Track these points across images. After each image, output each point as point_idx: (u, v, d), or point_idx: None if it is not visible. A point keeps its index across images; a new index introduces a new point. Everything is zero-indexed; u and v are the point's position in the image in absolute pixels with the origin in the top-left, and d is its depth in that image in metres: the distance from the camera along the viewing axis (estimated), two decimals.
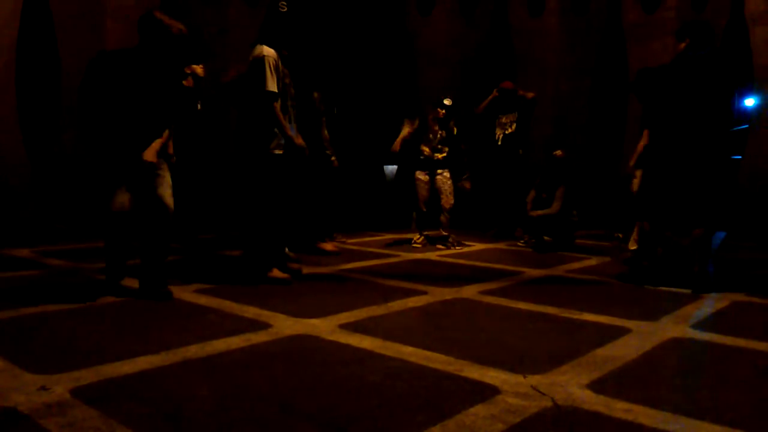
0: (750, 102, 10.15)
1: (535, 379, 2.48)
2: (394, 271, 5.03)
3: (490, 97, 7.26)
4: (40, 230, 7.08)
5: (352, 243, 6.66)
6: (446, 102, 6.48)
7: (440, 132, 6.55)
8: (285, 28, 4.32)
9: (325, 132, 5.70)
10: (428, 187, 6.54)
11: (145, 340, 2.94)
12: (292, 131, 4.35)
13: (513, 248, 6.57)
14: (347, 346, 2.92)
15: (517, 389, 2.37)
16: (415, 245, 6.45)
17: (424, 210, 6.55)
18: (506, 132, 7.20)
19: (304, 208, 5.60)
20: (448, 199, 6.51)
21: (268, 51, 4.23)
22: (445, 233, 6.49)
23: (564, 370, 2.62)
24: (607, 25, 9.81)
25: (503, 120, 7.25)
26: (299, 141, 4.35)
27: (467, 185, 6.72)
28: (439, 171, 6.53)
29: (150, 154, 3.75)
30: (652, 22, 8.97)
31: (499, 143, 7.24)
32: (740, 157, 9.34)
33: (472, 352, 2.82)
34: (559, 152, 6.62)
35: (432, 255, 5.99)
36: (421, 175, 6.54)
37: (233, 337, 3.00)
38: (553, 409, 2.19)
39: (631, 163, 5.34)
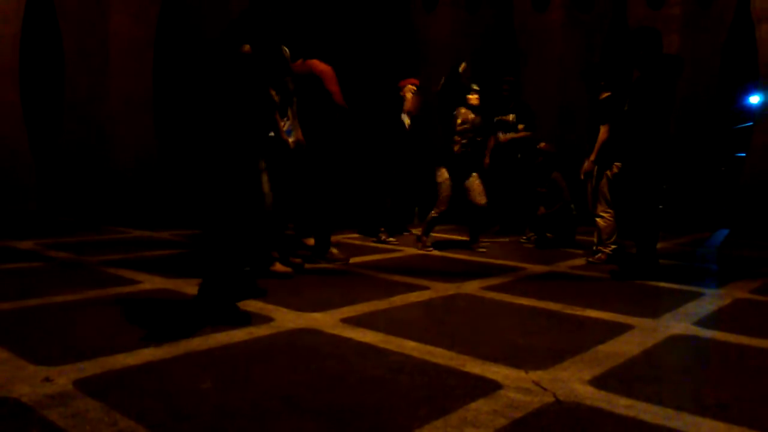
0: (755, 99, 10.11)
1: (537, 375, 2.48)
2: (396, 266, 5.03)
3: (518, 135, 7.09)
4: (44, 223, 7.10)
5: (354, 238, 6.66)
6: (475, 87, 6.01)
7: (473, 119, 5.93)
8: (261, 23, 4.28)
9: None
10: (451, 185, 5.96)
11: (149, 332, 2.94)
12: (287, 129, 4.38)
13: (516, 244, 6.57)
14: (349, 340, 2.92)
15: (519, 384, 2.37)
16: (425, 248, 5.96)
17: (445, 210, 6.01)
18: (507, 135, 7.17)
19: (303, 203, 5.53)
20: (480, 199, 5.95)
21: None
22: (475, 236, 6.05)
23: (566, 365, 2.62)
24: (613, 21, 9.77)
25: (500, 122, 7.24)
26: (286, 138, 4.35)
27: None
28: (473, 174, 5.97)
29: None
30: (658, 18, 8.92)
31: (501, 146, 7.17)
32: (744, 154, 9.32)
33: (474, 347, 2.82)
34: (543, 144, 6.64)
35: (434, 250, 5.99)
36: (446, 173, 5.96)
37: (235, 330, 3.00)
38: (555, 405, 2.19)
39: (592, 158, 5.39)
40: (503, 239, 6.83)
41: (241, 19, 3.35)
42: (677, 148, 8.44)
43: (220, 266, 3.22)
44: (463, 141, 5.91)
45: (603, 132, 5.35)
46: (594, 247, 5.52)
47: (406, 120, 6.67)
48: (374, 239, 6.48)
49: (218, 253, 3.22)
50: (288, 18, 4.13)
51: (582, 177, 5.54)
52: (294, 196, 5.03)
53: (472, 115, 5.94)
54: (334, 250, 5.16)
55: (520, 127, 7.11)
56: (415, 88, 6.64)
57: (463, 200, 6.06)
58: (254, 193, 3.37)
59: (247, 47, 3.20)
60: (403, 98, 6.62)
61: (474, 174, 5.99)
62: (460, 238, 6.66)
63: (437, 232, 7.19)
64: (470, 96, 5.98)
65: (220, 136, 3.23)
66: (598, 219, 5.39)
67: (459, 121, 5.92)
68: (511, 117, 7.17)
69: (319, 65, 5.01)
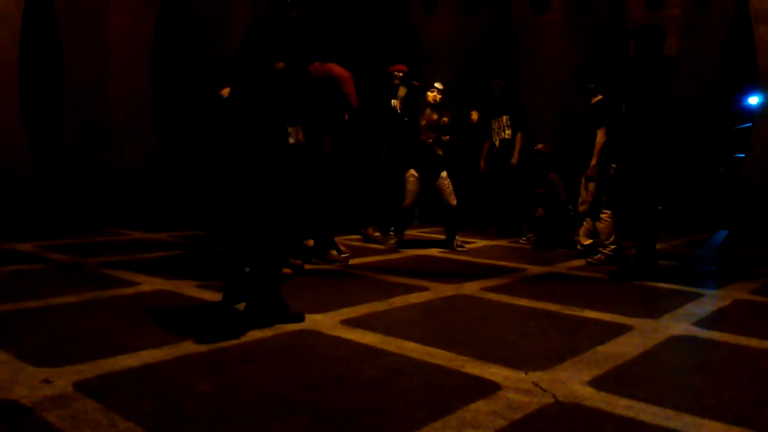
0: (753, 100, 10.11)
1: (536, 376, 2.48)
2: (396, 267, 5.03)
3: (518, 148, 7.12)
4: (42, 224, 7.09)
5: (353, 239, 6.66)
6: (437, 85, 6.07)
7: (439, 118, 5.98)
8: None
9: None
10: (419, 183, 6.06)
11: (148, 334, 2.94)
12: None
13: (515, 245, 6.57)
14: (349, 342, 2.92)
15: (518, 385, 2.37)
16: (388, 244, 6.04)
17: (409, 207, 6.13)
18: (501, 137, 7.29)
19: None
20: (451, 199, 6.03)
21: None
22: (451, 235, 6.10)
23: (565, 366, 2.62)
24: (612, 22, 9.78)
25: (494, 126, 7.32)
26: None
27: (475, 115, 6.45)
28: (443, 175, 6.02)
29: None
30: (656, 19, 8.93)
31: (496, 149, 7.30)
32: (743, 155, 9.33)
33: (473, 348, 2.82)
34: (541, 146, 6.71)
35: (434, 251, 5.99)
36: (415, 172, 6.04)
37: None
38: (554, 406, 2.19)
39: (594, 162, 5.41)
40: (502, 240, 6.84)
41: (266, 33, 3.33)
42: (676, 150, 8.46)
43: (266, 267, 3.25)
44: (428, 141, 6.01)
45: (600, 136, 5.39)
46: (578, 246, 5.63)
47: (397, 104, 6.70)
48: (362, 236, 6.55)
49: (263, 254, 3.25)
50: (310, 31, 4.10)
51: (583, 180, 5.56)
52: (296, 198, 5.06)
53: (435, 115, 6.00)
54: (334, 252, 5.16)
55: (508, 132, 7.17)
56: (401, 74, 6.67)
57: (438, 201, 6.15)
58: (286, 196, 3.40)
59: (281, 64, 3.23)
60: (393, 85, 6.65)
61: (443, 174, 6.05)
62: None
63: (431, 233, 7.20)
64: (429, 93, 6.07)
65: (255, 144, 3.23)
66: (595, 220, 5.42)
67: (423, 122, 6.02)
68: (504, 118, 7.26)
69: (337, 68, 5.08)
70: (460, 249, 6.00)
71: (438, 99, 6.04)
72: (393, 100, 6.64)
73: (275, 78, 3.24)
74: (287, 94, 3.33)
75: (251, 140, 3.24)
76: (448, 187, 6.04)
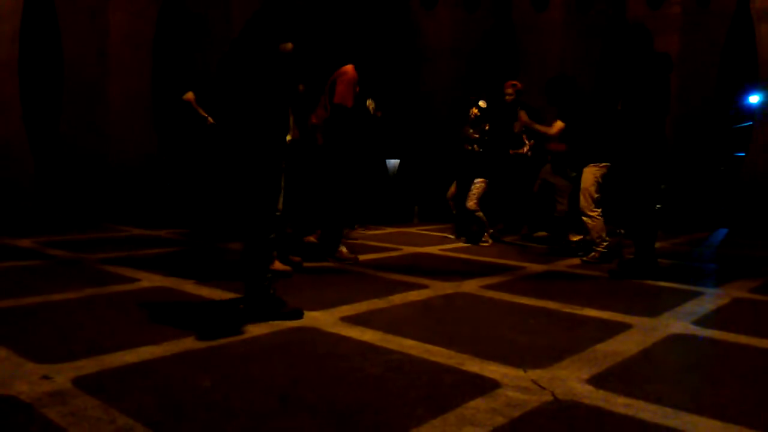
0: (754, 99, 10.10)
1: (535, 374, 2.48)
2: (396, 265, 5.03)
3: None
4: (42, 220, 7.09)
5: (354, 236, 6.66)
6: (481, 104, 6.45)
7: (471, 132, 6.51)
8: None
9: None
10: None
11: (147, 331, 2.94)
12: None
13: (514, 243, 6.57)
14: (348, 339, 2.92)
15: (517, 383, 2.37)
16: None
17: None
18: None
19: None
20: (467, 200, 6.42)
21: None
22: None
23: (564, 364, 2.62)
24: (612, 21, 9.77)
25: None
26: None
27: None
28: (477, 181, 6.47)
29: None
30: (657, 17, 8.93)
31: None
32: (743, 153, 9.33)
33: (472, 346, 2.83)
34: (552, 145, 6.79)
35: (433, 249, 6.00)
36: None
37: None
38: (553, 404, 2.19)
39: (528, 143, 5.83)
40: (506, 238, 6.84)
41: (272, 16, 3.26)
42: (677, 148, 8.45)
43: (262, 263, 3.23)
44: (468, 149, 6.53)
45: (557, 127, 5.62)
46: (562, 242, 5.82)
47: (371, 104, 6.69)
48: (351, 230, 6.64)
49: (258, 251, 3.23)
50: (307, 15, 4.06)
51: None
52: (292, 194, 5.05)
53: (470, 130, 6.52)
54: (344, 250, 5.14)
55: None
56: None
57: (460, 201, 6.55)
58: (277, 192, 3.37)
59: (289, 45, 3.19)
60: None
61: (477, 179, 6.45)
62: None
63: (431, 230, 7.21)
64: (473, 109, 6.50)
65: (256, 133, 3.17)
66: (586, 219, 5.39)
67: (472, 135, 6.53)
68: (517, 127, 6.76)
69: (345, 67, 5.10)
70: (483, 244, 6.35)
71: (474, 115, 6.50)
72: (368, 100, 6.63)
73: (280, 59, 3.17)
74: (290, 77, 3.26)
75: (246, 128, 3.18)
76: (472, 190, 6.43)
